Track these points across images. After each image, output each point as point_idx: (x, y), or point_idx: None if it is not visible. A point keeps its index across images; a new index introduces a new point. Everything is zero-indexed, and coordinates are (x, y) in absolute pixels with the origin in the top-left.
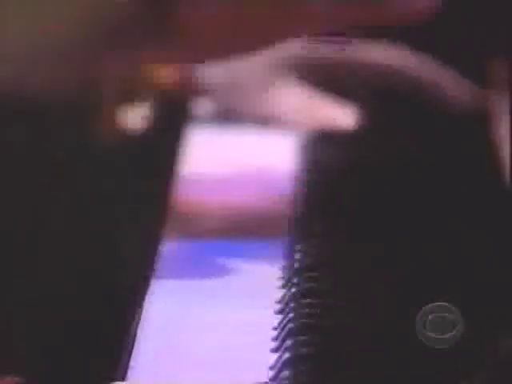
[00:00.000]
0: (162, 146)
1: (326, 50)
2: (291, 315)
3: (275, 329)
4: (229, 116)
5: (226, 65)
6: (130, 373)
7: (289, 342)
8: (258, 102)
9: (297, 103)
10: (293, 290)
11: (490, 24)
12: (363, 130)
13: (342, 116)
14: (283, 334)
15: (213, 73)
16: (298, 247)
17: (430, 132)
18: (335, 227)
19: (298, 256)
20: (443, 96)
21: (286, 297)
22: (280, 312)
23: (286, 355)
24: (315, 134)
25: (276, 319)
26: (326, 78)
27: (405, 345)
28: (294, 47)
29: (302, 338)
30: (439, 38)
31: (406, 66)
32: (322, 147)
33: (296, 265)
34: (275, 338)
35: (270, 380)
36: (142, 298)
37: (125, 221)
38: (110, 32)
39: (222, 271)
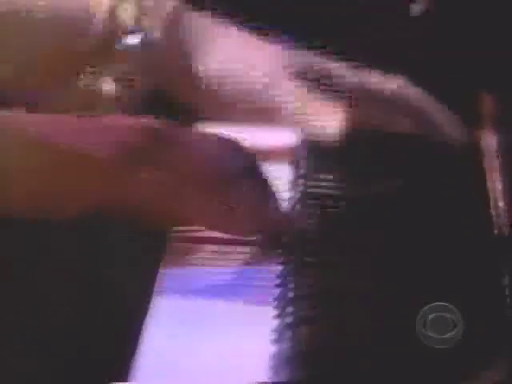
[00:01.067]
0: None
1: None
2: (286, 344)
3: (271, 357)
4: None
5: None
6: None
7: (286, 371)
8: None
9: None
10: (287, 319)
11: (480, 61)
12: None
13: (332, 125)
14: (279, 362)
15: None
16: (292, 278)
17: (420, 162)
18: (329, 256)
19: (292, 285)
20: (438, 130)
21: (281, 326)
22: (275, 341)
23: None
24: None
25: (272, 348)
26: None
27: (405, 345)
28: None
29: (299, 364)
30: (432, 73)
31: (410, 95)
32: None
33: (290, 294)
34: (271, 367)
35: None
36: (142, 323)
37: (125, 249)
38: None
39: (217, 299)
